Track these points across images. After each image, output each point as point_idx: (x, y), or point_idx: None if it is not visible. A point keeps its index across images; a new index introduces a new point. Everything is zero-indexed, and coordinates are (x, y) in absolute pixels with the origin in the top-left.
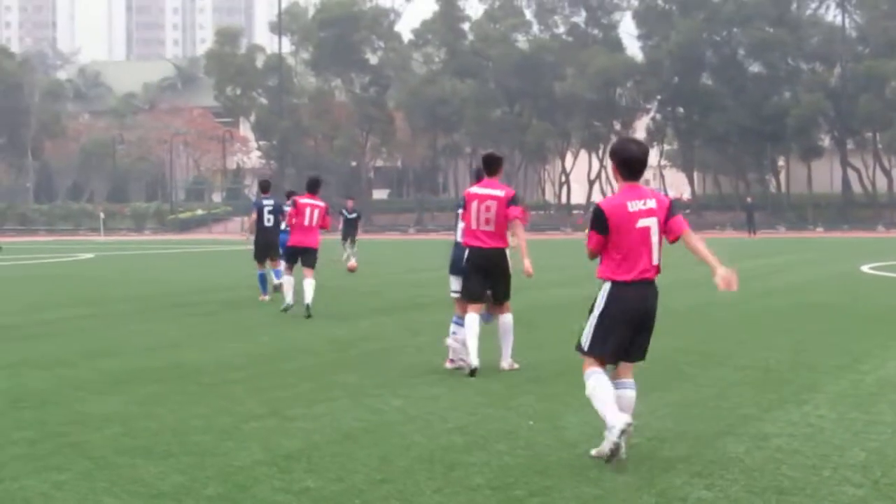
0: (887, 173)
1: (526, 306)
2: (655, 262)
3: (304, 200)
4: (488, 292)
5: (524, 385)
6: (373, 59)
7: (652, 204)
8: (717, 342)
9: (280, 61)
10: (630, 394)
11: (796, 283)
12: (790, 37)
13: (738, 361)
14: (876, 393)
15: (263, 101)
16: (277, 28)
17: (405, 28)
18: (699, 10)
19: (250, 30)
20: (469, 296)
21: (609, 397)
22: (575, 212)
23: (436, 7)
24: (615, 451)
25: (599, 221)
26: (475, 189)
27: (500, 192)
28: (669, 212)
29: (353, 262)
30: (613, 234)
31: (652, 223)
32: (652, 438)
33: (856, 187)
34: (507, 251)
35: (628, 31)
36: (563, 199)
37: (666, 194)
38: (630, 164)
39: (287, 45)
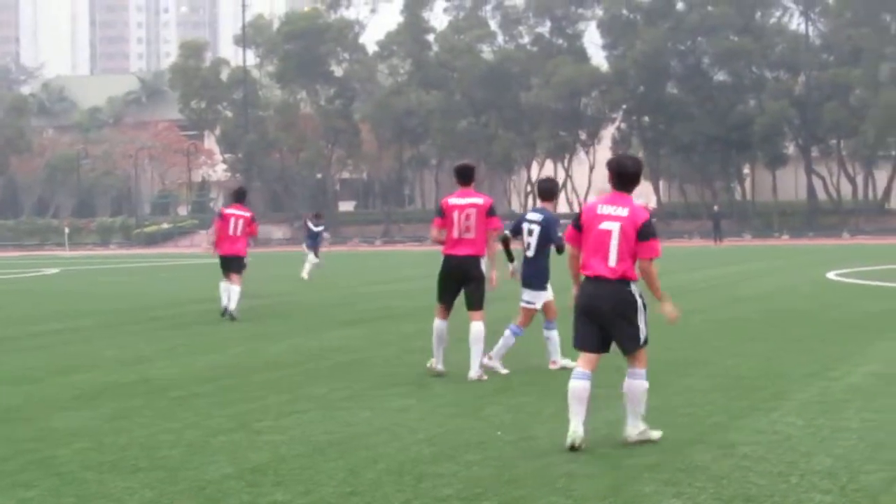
0: (852, 181)
1: (495, 318)
2: (612, 263)
3: (229, 211)
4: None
5: (494, 395)
6: (338, 72)
7: (622, 212)
8: (687, 350)
9: (245, 74)
10: (629, 383)
11: (764, 291)
12: (755, 45)
13: (707, 369)
14: (843, 400)
15: (229, 114)
16: (242, 41)
17: (370, 40)
18: (664, 19)
19: (215, 43)
20: (439, 300)
21: (572, 402)
22: None
23: (401, 19)
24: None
25: (576, 218)
26: (454, 200)
27: (479, 200)
28: (639, 231)
29: (304, 274)
30: (584, 231)
31: (614, 227)
32: (621, 446)
33: (821, 195)
34: (483, 260)
35: (593, 40)
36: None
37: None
38: (620, 176)
39: (252, 58)
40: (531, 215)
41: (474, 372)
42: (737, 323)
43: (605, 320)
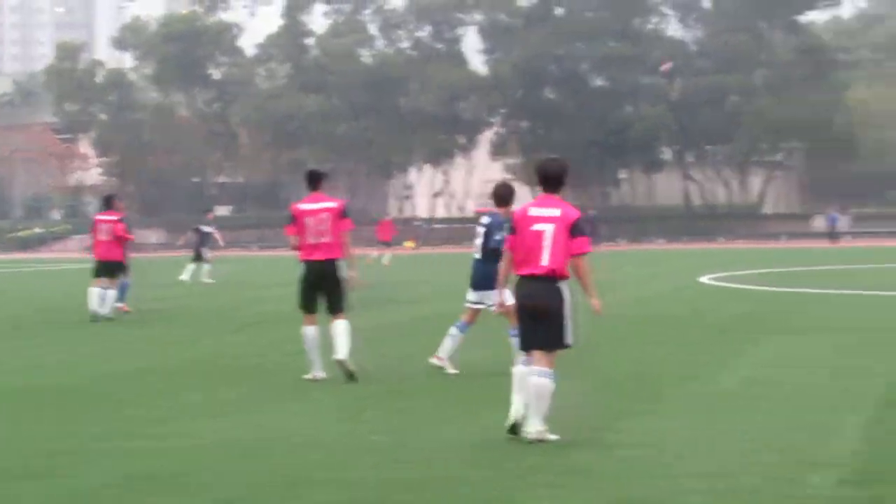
0: (727, 185)
1: (376, 324)
2: (545, 262)
3: (99, 217)
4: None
5: (374, 399)
6: (216, 75)
7: (554, 213)
8: (565, 353)
9: (121, 76)
10: (534, 380)
11: (639, 296)
12: (632, 51)
13: (585, 372)
14: (719, 402)
15: (103, 116)
16: (119, 43)
17: (249, 43)
18: (543, 24)
19: (91, 45)
20: (303, 307)
21: (516, 385)
22: (416, 223)
23: (280, 22)
24: (510, 428)
25: (511, 223)
26: (305, 205)
27: (332, 204)
28: (571, 228)
29: (184, 276)
30: (518, 234)
31: (547, 228)
32: (502, 448)
33: (696, 200)
34: (343, 262)
35: (473, 45)
36: (407, 213)
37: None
38: (545, 178)
39: (129, 61)
40: (482, 219)
41: (342, 353)
42: (612, 328)
43: (538, 315)
